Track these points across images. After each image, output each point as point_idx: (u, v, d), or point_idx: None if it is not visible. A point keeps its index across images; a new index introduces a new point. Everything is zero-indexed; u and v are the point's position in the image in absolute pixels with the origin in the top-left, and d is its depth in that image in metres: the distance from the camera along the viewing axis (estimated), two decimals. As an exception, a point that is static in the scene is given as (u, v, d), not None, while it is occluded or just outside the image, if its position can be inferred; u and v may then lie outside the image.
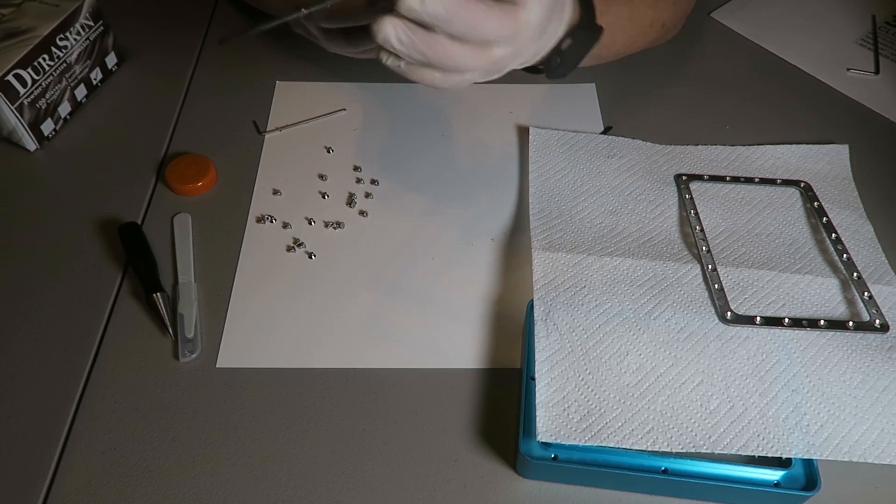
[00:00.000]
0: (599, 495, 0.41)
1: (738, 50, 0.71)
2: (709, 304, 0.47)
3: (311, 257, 0.52)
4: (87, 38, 0.62)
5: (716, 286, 0.48)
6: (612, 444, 0.39)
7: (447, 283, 0.51)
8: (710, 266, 0.49)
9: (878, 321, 0.46)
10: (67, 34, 0.60)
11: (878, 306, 0.47)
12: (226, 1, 0.74)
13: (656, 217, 0.54)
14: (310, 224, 0.54)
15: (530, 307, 0.47)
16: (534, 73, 0.50)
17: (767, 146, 0.60)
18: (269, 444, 0.42)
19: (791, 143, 0.60)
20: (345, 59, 0.66)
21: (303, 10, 0.37)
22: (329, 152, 0.60)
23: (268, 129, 0.61)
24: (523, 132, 0.61)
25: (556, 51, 0.49)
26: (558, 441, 0.39)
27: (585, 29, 0.49)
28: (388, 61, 0.38)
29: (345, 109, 0.63)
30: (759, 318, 0.46)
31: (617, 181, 0.56)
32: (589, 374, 0.42)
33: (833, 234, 0.52)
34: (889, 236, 0.53)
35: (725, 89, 0.66)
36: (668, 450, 0.39)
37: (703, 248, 0.50)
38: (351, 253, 0.52)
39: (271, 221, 0.54)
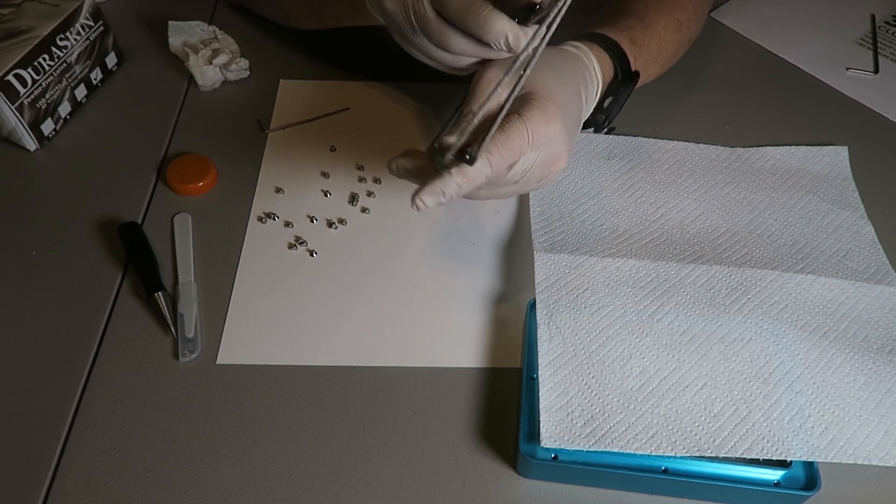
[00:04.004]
0: (600, 495, 0.41)
1: (738, 49, 0.71)
2: (711, 305, 0.47)
3: (312, 255, 0.52)
4: (87, 38, 0.62)
5: None
6: (616, 450, 0.39)
7: (448, 283, 0.51)
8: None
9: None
10: (67, 34, 0.59)
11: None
12: (224, 4, 0.74)
13: (658, 219, 0.53)
14: (312, 222, 0.54)
15: (531, 306, 0.47)
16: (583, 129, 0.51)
17: (768, 147, 0.60)
18: (269, 444, 0.42)
19: (791, 145, 0.60)
20: (346, 57, 0.66)
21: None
22: (332, 151, 0.60)
23: (271, 128, 0.61)
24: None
25: (599, 108, 0.49)
26: (562, 447, 0.39)
27: (623, 81, 0.50)
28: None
29: (348, 108, 0.63)
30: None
31: (618, 182, 0.56)
32: (592, 378, 0.42)
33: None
34: (889, 236, 0.53)
35: (725, 89, 0.66)
36: (673, 454, 0.39)
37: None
38: (353, 251, 0.52)
39: (273, 219, 0.54)
